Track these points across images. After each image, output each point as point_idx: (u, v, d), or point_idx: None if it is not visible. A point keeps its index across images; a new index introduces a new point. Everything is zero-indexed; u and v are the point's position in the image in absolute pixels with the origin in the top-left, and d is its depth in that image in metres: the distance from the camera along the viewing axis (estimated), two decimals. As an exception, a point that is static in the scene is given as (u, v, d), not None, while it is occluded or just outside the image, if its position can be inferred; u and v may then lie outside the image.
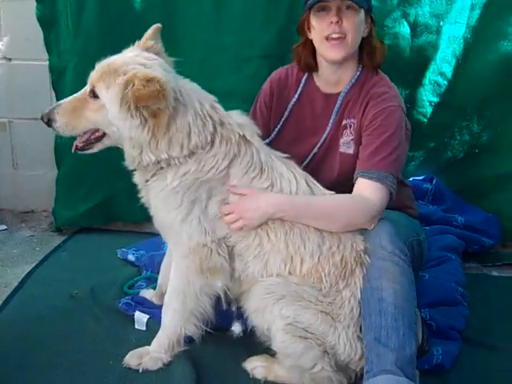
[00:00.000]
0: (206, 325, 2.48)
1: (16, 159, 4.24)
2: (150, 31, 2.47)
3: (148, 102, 2.16)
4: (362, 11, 2.53)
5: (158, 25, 2.51)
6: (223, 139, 2.34)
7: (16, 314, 2.91)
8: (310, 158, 2.68)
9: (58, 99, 3.92)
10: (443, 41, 3.57)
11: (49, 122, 2.35)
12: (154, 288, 3.00)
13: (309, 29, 2.62)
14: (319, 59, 2.67)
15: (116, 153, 3.75)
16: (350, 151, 2.60)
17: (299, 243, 2.34)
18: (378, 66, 2.64)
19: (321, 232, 2.35)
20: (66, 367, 2.50)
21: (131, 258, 3.49)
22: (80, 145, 2.43)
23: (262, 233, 2.35)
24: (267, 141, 2.62)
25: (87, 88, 2.33)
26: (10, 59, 4.08)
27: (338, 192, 2.46)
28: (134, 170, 2.47)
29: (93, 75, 2.33)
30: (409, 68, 3.63)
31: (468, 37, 3.54)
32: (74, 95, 2.40)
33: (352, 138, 2.59)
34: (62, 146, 3.93)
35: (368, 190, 2.40)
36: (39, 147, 4.13)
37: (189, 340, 2.52)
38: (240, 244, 2.38)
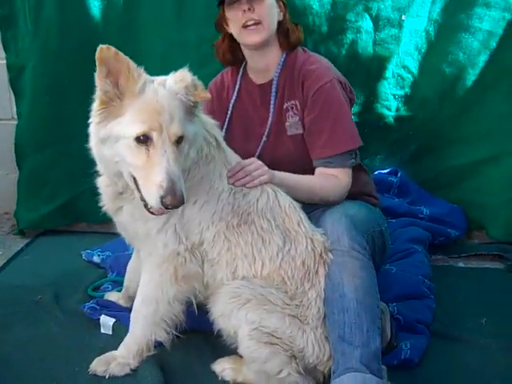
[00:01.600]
0: (176, 329, 2.44)
1: (-24, 161, 4.12)
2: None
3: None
4: None
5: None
6: (204, 142, 2.32)
7: (-22, 321, 2.83)
8: (260, 148, 2.74)
9: (16, 99, 3.88)
10: (405, 34, 3.56)
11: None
12: (120, 290, 2.95)
13: (226, 24, 2.72)
14: (244, 50, 2.77)
15: (78, 151, 3.75)
16: (299, 131, 2.67)
17: (260, 246, 2.33)
18: (295, 46, 2.75)
19: (282, 234, 2.35)
20: (31, 376, 2.44)
21: (96, 259, 3.44)
22: None
23: (231, 237, 2.33)
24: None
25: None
26: (-34, 57, 3.97)
27: (298, 172, 2.58)
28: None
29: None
30: (372, 62, 3.62)
31: (430, 30, 3.54)
32: None
33: (298, 118, 2.66)
34: (23, 146, 3.89)
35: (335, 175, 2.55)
36: (-1, 148, 4.03)
37: (157, 344, 2.48)
38: (212, 250, 2.35)
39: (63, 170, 3.84)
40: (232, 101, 2.84)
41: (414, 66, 3.61)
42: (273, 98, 2.72)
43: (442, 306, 2.88)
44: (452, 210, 3.61)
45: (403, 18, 3.56)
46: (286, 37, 2.71)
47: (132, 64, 2.07)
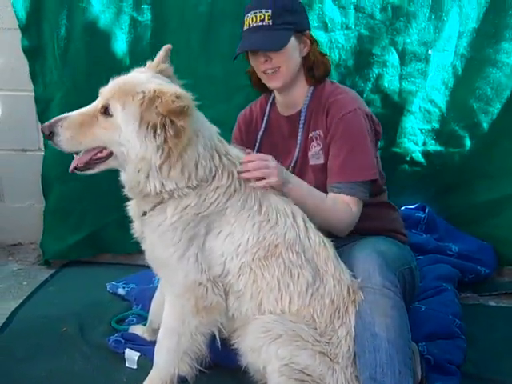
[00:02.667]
0: (200, 364, 2.40)
1: (2, 191, 4.17)
2: (161, 53, 2.42)
3: (176, 117, 2.09)
4: (292, 38, 2.61)
5: (169, 45, 2.45)
6: (225, 172, 2.29)
7: (2, 353, 2.82)
8: None
9: (44, 131, 3.91)
10: (432, 69, 3.58)
11: (50, 135, 2.21)
12: (145, 324, 2.93)
13: None
14: None
15: (106, 182, 3.77)
16: (321, 161, 2.65)
17: (289, 280, 2.29)
18: (322, 78, 2.73)
19: (312, 270, 2.30)
20: (55, 410, 2.42)
21: (121, 291, 3.43)
22: (80, 165, 2.29)
23: (257, 270, 2.29)
24: None
25: (98, 104, 2.22)
26: (-5, 90, 4.03)
27: None
28: (130, 199, 2.41)
29: (106, 92, 2.23)
30: (399, 96, 3.63)
31: (457, 64, 3.55)
32: (82, 109, 2.25)
33: (320, 148, 2.65)
34: (50, 177, 3.92)
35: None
36: (26, 178, 4.07)
37: (182, 379, 2.44)
38: (237, 282, 2.31)
39: (89, 200, 3.86)
40: (260, 132, 2.85)
41: (441, 101, 3.61)
42: (300, 130, 2.71)
43: (473, 346, 2.81)
44: (481, 246, 3.56)
45: (430, 52, 3.57)
46: (311, 71, 2.70)
47: None
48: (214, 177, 2.28)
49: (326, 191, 2.58)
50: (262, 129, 2.85)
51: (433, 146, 3.67)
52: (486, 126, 3.56)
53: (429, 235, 3.58)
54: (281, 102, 2.79)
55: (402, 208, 3.60)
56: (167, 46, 2.44)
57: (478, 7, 3.46)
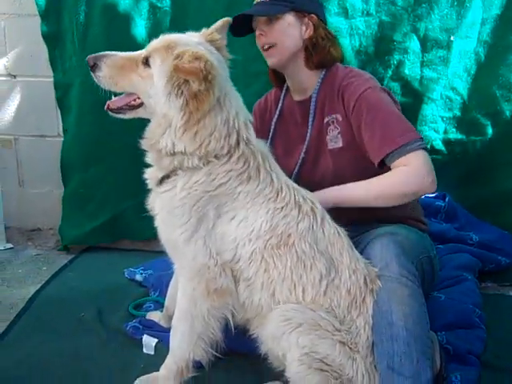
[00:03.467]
0: (216, 349, 2.39)
1: (22, 177, 4.21)
2: (218, 23, 2.45)
3: (187, 77, 2.11)
4: (289, 16, 2.62)
5: (228, 19, 2.49)
6: (242, 158, 2.26)
7: (21, 337, 2.85)
8: (299, 163, 2.71)
9: (63, 116, 3.94)
10: (454, 56, 3.52)
11: (93, 67, 2.29)
12: (162, 311, 2.94)
13: None
14: None
15: (123, 169, 3.79)
16: (339, 144, 2.62)
17: (301, 271, 2.25)
18: (320, 64, 2.68)
19: (327, 262, 2.27)
20: (72, 394, 2.44)
21: (139, 277, 3.44)
22: (113, 107, 2.38)
23: (269, 259, 2.26)
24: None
25: (142, 53, 2.28)
26: (14, 76, 4.07)
27: None
28: (148, 166, 2.41)
29: (153, 44, 2.29)
30: (420, 83, 3.58)
31: (479, 51, 3.49)
32: (127, 53, 2.33)
33: (338, 131, 2.62)
34: (69, 163, 3.96)
35: (407, 163, 2.40)
36: (45, 164, 4.11)
37: (198, 365, 2.43)
38: (248, 269, 2.29)
39: (108, 186, 3.88)
40: (274, 120, 2.83)
41: (463, 88, 3.55)
42: (311, 115, 2.69)
43: (493, 336, 2.77)
44: (502, 236, 3.50)
45: (452, 38, 3.51)
46: (309, 56, 2.66)
47: None
48: (229, 158, 2.25)
49: (344, 174, 2.54)
50: (276, 116, 2.83)
51: (454, 134, 3.61)
52: (508, 113, 3.49)
53: (449, 224, 3.53)
54: (291, 86, 2.78)
55: (422, 196, 3.55)
56: (226, 19, 2.48)
57: (502, -7, 3.39)
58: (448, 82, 3.56)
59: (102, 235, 3.93)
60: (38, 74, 3.97)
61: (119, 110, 2.37)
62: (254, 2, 2.69)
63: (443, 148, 3.64)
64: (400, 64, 3.58)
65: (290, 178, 2.59)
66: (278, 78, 2.84)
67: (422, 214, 2.84)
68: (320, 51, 2.66)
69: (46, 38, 3.83)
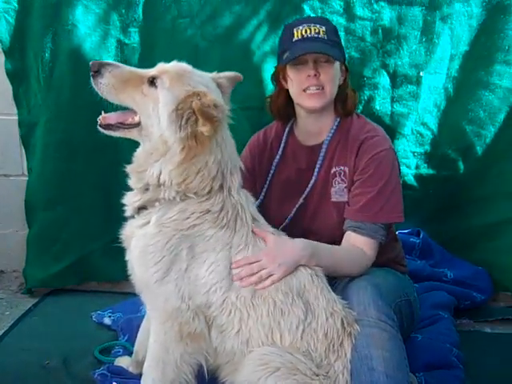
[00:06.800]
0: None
1: (-16, 217, 4.05)
2: (231, 74, 2.47)
3: (203, 119, 2.09)
4: (337, 62, 2.56)
5: (241, 77, 2.51)
6: (220, 203, 2.23)
7: (-19, 388, 2.71)
8: (296, 208, 2.64)
9: (27, 154, 3.85)
10: (424, 91, 3.55)
11: (95, 74, 2.25)
12: (131, 355, 2.82)
13: (285, 79, 2.64)
14: (298, 110, 2.67)
15: (90, 209, 3.70)
16: (344, 199, 2.57)
17: (279, 318, 2.21)
18: (350, 113, 2.66)
19: (304, 306, 2.23)
20: None
21: (107, 321, 3.32)
22: (104, 124, 2.30)
23: (243, 309, 2.22)
24: (257, 203, 2.52)
25: (150, 72, 2.26)
26: (-22, 113, 3.95)
27: (339, 241, 2.50)
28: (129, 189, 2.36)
29: (164, 66, 2.28)
30: (390, 118, 3.60)
31: (449, 87, 3.53)
32: (133, 68, 2.34)
33: (345, 185, 2.57)
34: (33, 203, 3.83)
35: (361, 246, 2.44)
36: (9, 204, 3.97)
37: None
38: (220, 317, 2.23)
39: (74, 227, 3.76)
40: (275, 162, 2.74)
41: (433, 123, 3.58)
42: (320, 161, 2.62)
43: (470, 375, 2.73)
44: (477, 272, 3.50)
45: (421, 74, 3.55)
46: (343, 103, 2.63)
47: None
48: (208, 199, 2.22)
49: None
50: (278, 156, 2.74)
51: (425, 170, 3.63)
52: (479, 149, 3.52)
53: (424, 261, 3.52)
54: (305, 129, 2.69)
55: (396, 232, 3.53)
56: (239, 76, 2.52)
57: (470, 29, 3.45)
58: (418, 118, 3.59)
59: (68, 277, 3.80)
60: (3, 112, 3.86)
61: (110, 126, 2.30)
62: (307, 35, 2.53)
63: (415, 183, 3.65)
64: (370, 99, 3.60)
65: (284, 221, 2.61)
66: (283, 114, 2.76)
67: (404, 256, 2.84)
68: (349, 100, 2.64)
69: (11, 75, 3.74)
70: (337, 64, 2.56)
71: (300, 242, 2.33)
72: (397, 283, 2.52)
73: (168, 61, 3.46)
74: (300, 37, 2.54)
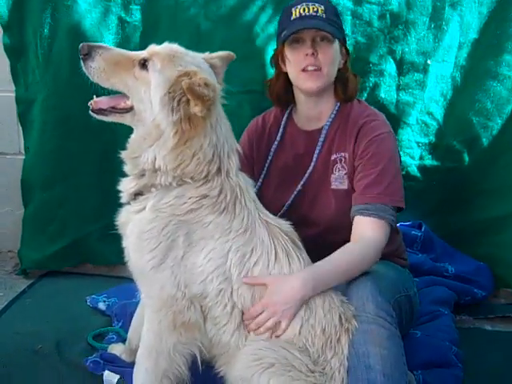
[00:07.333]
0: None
1: (-20, 196, 4.00)
2: (224, 54, 2.40)
3: (193, 99, 2.03)
4: (337, 42, 2.49)
5: (234, 55, 2.44)
6: (218, 187, 2.17)
7: (-28, 372, 2.68)
8: (294, 195, 2.59)
9: (24, 133, 3.79)
10: (431, 80, 3.47)
11: (85, 57, 2.18)
12: (125, 342, 2.78)
13: (283, 62, 2.58)
14: (297, 94, 2.62)
15: (88, 189, 3.65)
16: (344, 186, 2.51)
17: None
18: (351, 98, 2.59)
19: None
20: None
21: (102, 306, 3.28)
22: (95, 108, 2.23)
23: (239, 304, 2.18)
24: (254, 189, 2.46)
25: (141, 54, 2.18)
26: (-26, 90, 3.87)
27: (337, 229, 2.43)
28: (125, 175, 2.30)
29: (155, 48, 2.21)
30: (395, 107, 3.53)
31: (456, 76, 3.45)
32: (124, 51, 2.26)
33: (345, 172, 2.51)
34: (30, 182, 3.77)
35: (369, 229, 2.35)
36: (5, 183, 3.93)
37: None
38: (215, 308, 2.18)
39: (71, 207, 3.72)
40: (273, 148, 2.68)
41: (439, 113, 3.51)
42: (319, 147, 2.56)
43: (469, 373, 2.69)
44: (478, 268, 3.45)
45: (429, 62, 3.47)
46: (343, 87, 2.57)
47: None
48: (205, 183, 2.16)
49: (347, 218, 2.43)
50: (277, 142, 2.68)
51: (429, 161, 3.57)
52: (485, 141, 3.45)
53: (425, 255, 3.47)
54: (303, 113, 2.63)
55: (397, 225, 3.48)
56: (232, 54, 2.44)
57: (480, 17, 3.36)
58: (424, 107, 3.51)
59: (64, 259, 3.75)
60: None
61: (102, 111, 2.23)
62: (305, 13, 2.47)
63: (418, 175, 3.58)
64: (375, 87, 3.52)
65: (281, 208, 2.55)
66: (282, 99, 2.70)
67: (404, 249, 2.79)
68: (350, 84, 2.58)
69: (9, 50, 3.66)
70: (336, 45, 2.49)
71: (299, 279, 2.18)
72: (397, 278, 2.46)
73: (170, 40, 3.44)
74: (298, 15, 2.48)
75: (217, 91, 2.09)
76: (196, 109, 2.05)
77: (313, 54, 2.44)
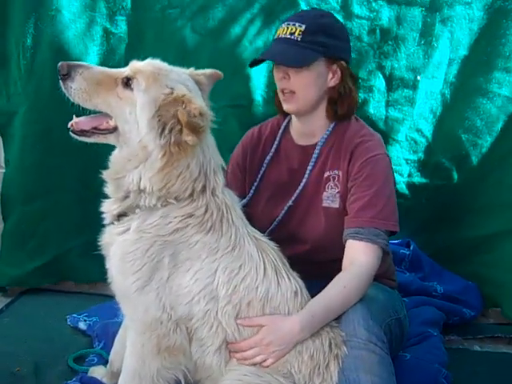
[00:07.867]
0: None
1: (-43, 210, 3.89)
2: (210, 72, 2.32)
3: (189, 131, 1.97)
4: (319, 63, 2.37)
5: (221, 74, 2.36)
6: (204, 206, 2.11)
7: None
8: (284, 211, 2.52)
9: (5, 145, 3.69)
10: (420, 96, 3.45)
11: (64, 77, 2.06)
12: (106, 364, 2.69)
13: None
14: None
15: (69, 204, 3.56)
16: (335, 205, 2.44)
17: None
18: (344, 117, 2.49)
19: None
20: None
21: (82, 326, 3.18)
22: (76, 130, 2.13)
23: (228, 328, 2.12)
24: (244, 201, 2.45)
25: (124, 72, 2.09)
26: (-48, 101, 3.77)
27: (326, 248, 2.41)
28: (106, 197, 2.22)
29: (138, 66, 2.11)
30: (384, 123, 3.50)
31: (446, 93, 3.43)
32: (105, 68, 2.15)
33: (337, 191, 2.43)
34: (10, 196, 3.67)
35: (362, 253, 2.28)
36: (-16, 197, 3.79)
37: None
38: (201, 329, 2.12)
39: (52, 223, 3.63)
40: (268, 157, 2.60)
41: (428, 130, 3.48)
42: (312, 163, 2.49)
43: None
44: (467, 287, 3.41)
45: (418, 78, 3.45)
46: (333, 106, 2.46)
47: None
48: (190, 202, 2.10)
49: (336, 237, 2.37)
50: (271, 154, 2.60)
51: (418, 178, 3.54)
52: (474, 159, 3.42)
53: (413, 274, 3.43)
54: (297, 128, 2.56)
55: (386, 244, 3.46)
56: (219, 74, 2.36)
57: (470, 34, 3.34)
58: (413, 123, 3.49)
59: (44, 276, 3.65)
60: (-20, 100, 3.70)
61: (84, 132, 2.14)
62: (281, 36, 2.39)
63: (407, 192, 3.55)
64: (364, 102, 3.48)
65: (271, 223, 2.49)
66: (282, 110, 2.58)
67: (394, 271, 2.73)
68: (344, 102, 2.45)
69: (-11, 61, 3.58)
70: (317, 67, 2.37)
71: (297, 324, 2.11)
72: (387, 301, 2.40)
73: (156, 52, 3.37)
74: (277, 36, 2.42)
75: (209, 119, 2.03)
76: (189, 138, 1.98)
77: (284, 77, 2.37)
